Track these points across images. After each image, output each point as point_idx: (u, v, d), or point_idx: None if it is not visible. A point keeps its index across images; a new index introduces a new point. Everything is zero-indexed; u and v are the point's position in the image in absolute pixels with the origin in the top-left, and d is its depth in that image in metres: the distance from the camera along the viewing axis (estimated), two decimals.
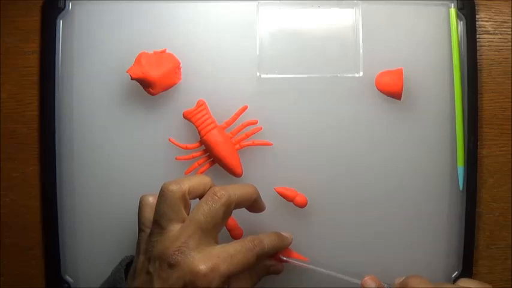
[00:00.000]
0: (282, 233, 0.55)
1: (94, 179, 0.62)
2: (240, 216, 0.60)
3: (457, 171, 0.62)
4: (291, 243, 0.56)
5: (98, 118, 0.62)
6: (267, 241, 0.51)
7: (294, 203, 0.61)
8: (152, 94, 0.60)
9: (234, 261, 0.47)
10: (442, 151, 0.62)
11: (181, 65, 0.62)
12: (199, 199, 0.51)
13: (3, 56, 0.64)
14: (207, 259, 0.46)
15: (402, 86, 0.60)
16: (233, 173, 0.60)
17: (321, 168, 0.62)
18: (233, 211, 0.52)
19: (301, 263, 0.56)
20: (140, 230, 0.51)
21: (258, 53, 0.61)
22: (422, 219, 0.62)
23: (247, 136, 0.61)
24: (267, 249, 0.51)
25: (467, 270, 0.62)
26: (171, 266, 0.46)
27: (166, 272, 0.46)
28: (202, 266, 0.45)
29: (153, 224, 0.50)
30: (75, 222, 0.62)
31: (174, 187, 0.50)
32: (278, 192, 0.61)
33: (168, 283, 0.46)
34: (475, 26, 0.63)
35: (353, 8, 0.62)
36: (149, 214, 0.51)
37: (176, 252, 0.46)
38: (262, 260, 0.53)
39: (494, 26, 0.64)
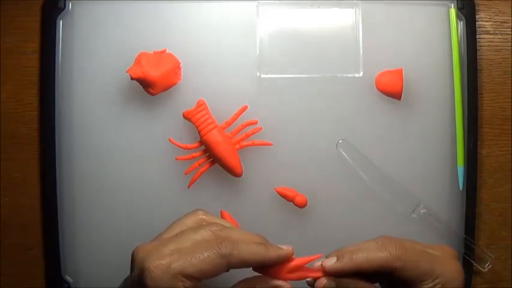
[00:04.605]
0: (278, 245, 0.47)
1: (94, 179, 0.62)
2: (239, 216, 0.61)
3: (457, 171, 0.62)
4: (282, 256, 0.47)
5: (98, 118, 0.62)
6: (243, 246, 0.45)
7: (294, 203, 0.61)
8: (152, 94, 0.60)
9: (190, 259, 0.44)
10: (442, 151, 0.62)
11: (181, 65, 0.62)
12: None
13: (3, 56, 0.64)
14: (158, 257, 0.44)
15: (402, 86, 0.60)
16: (233, 173, 0.60)
17: (321, 168, 0.62)
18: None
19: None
20: None
21: (258, 53, 0.61)
22: (422, 219, 0.61)
23: (247, 136, 0.61)
24: (242, 255, 0.45)
25: (467, 269, 0.62)
26: (133, 259, 0.46)
27: (131, 263, 0.47)
28: (149, 264, 0.44)
29: None
30: (75, 222, 0.62)
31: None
32: (278, 192, 0.61)
33: (131, 276, 0.46)
34: (475, 26, 0.63)
35: (353, 8, 0.62)
36: None
37: (141, 248, 0.46)
38: (258, 279, 0.47)
39: (494, 26, 0.64)
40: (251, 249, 0.46)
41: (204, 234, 0.46)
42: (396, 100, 0.62)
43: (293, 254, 0.47)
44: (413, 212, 0.61)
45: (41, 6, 0.63)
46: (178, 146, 0.61)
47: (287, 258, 0.47)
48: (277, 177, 0.62)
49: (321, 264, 0.47)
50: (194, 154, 0.61)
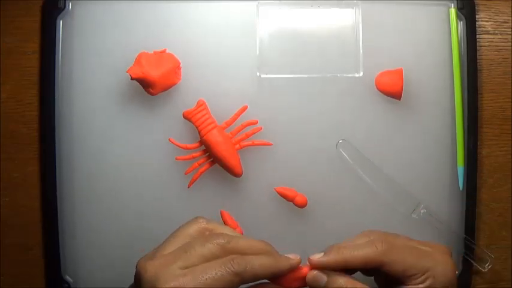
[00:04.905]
0: (285, 255, 0.48)
1: (94, 179, 0.62)
2: (239, 216, 0.61)
3: (457, 171, 0.62)
4: (293, 266, 0.47)
5: (98, 118, 0.62)
6: (255, 261, 0.45)
7: (294, 203, 0.61)
8: (152, 94, 0.60)
9: (204, 279, 0.43)
10: (442, 151, 0.62)
11: (181, 65, 0.62)
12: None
13: (3, 56, 0.64)
14: (171, 277, 0.43)
15: (402, 86, 0.60)
16: (233, 173, 0.60)
17: (321, 168, 0.62)
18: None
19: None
20: None
21: (258, 53, 0.61)
22: (422, 219, 0.61)
23: (247, 136, 0.61)
24: (255, 270, 0.45)
25: (467, 269, 0.62)
26: (141, 276, 0.45)
27: (138, 283, 0.45)
28: (162, 285, 0.43)
29: None
30: (75, 222, 0.62)
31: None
32: (278, 192, 0.61)
33: None
34: (475, 26, 0.63)
35: (353, 8, 0.62)
36: None
37: (149, 264, 0.45)
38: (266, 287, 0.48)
39: (494, 26, 0.64)
40: (263, 263, 0.46)
41: (212, 248, 0.45)
42: (396, 100, 0.62)
43: (300, 262, 0.48)
44: (414, 212, 0.61)
45: (41, 6, 0.63)
46: (178, 146, 0.61)
47: (295, 267, 0.47)
48: (277, 177, 0.62)
49: (308, 259, 0.48)
50: (194, 154, 0.61)
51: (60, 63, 0.62)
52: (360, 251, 0.47)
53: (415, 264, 0.47)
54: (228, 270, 0.44)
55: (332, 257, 0.47)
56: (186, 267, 0.44)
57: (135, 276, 0.46)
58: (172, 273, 0.43)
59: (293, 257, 0.48)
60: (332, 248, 0.47)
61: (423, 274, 0.46)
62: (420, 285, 0.46)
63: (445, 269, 0.47)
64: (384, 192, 0.62)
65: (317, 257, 0.47)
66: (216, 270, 0.44)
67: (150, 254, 0.47)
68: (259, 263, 0.45)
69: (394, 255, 0.46)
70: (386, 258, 0.46)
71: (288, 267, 0.47)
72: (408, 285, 0.47)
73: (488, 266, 0.61)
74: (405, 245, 0.48)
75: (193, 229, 0.48)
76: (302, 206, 0.61)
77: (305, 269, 0.48)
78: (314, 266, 0.47)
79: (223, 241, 0.46)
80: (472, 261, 0.61)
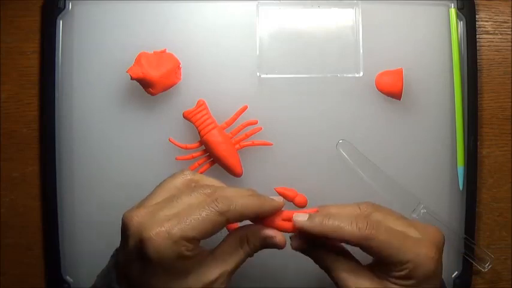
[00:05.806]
0: (269, 196, 0.48)
1: (94, 179, 0.62)
2: None
3: (457, 171, 0.62)
4: (277, 207, 0.48)
5: (97, 118, 0.62)
6: (239, 200, 0.45)
7: (294, 203, 0.61)
8: (152, 94, 0.60)
9: (189, 222, 0.43)
10: (442, 151, 0.62)
11: (181, 65, 0.62)
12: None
13: (3, 56, 0.64)
14: (156, 224, 0.43)
15: (402, 86, 0.60)
16: (233, 173, 0.60)
17: (321, 168, 0.62)
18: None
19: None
20: None
21: (258, 53, 0.61)
22: (422, 219, 0.61)
23: (247, 136, 0.61)
24: (239, 209, 0.45)
25: (467, 269, 0.62)
26: (127, 226, 0.45)
27: (124, 234, 0.45)
28: (149, 232, 0.43)
29: None
30: (75, 222, 0.62)
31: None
32: (278, 192, 0.61)
33: (126, 249, 0.45)
34: (475, 26, 0.63)
35: (353, 8, 0.62)
36: None
37: (134, 215, 0.45)
38: (252, 227, 0.48)
39: (494, 26, 0.64)
40: (247, 202, 0.46)
41: (199, 197, 0.46)
42: (396, 100, 0.62)
43: (283, 205, 0.49)
44: (414, 212, 0.61)
45: (41, 6, 0.63)
46: (178, 146, 0.61)
47: (279, 208, 0.48)
48: (277, 177, 0.62)
49: (293, 216, 0.48)
50: (194, 154, 0.61)
51: (60, 63, 0.62)
52: (343, 229, 0.46)
53: (395, 256, 0.45)
54: (212, 210, 0.44)
55: (315, 226, 0.46)
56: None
57: (121, 228, 0.46)
58: (158, 220, 0.43)
59: (277, 199, 0.49)
60: (317, 215, 0.47)
61: (402, 265, 0.45)
62: (401, 273, 0.46)
63: (423, 262, 0.45)
64: (383, 192, 0.61)
65: (301, 219, 0.47)
66: (201, 211, 0.44)
67: (136, 205, 0.47)
68: (243, 202, 0.46)
69: (375, 242, 0.45)
70: (366, 243, 0.45)
71: (271, 207, 0.48)
72: (392, 271, 0.46)
73: (488, 266, 0.61)
74: (391, 231, 0.46)
75: (179, 181, 0.49)
76: (302, 206, 0.61)
77: (285, 212, 0.49)
78: (296, 228, 0.48)
79: (209, 191, 0.46)
80: (472, 261, 0.61)
